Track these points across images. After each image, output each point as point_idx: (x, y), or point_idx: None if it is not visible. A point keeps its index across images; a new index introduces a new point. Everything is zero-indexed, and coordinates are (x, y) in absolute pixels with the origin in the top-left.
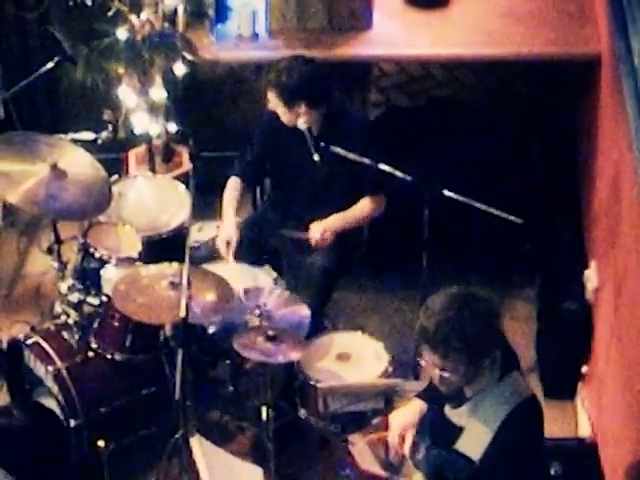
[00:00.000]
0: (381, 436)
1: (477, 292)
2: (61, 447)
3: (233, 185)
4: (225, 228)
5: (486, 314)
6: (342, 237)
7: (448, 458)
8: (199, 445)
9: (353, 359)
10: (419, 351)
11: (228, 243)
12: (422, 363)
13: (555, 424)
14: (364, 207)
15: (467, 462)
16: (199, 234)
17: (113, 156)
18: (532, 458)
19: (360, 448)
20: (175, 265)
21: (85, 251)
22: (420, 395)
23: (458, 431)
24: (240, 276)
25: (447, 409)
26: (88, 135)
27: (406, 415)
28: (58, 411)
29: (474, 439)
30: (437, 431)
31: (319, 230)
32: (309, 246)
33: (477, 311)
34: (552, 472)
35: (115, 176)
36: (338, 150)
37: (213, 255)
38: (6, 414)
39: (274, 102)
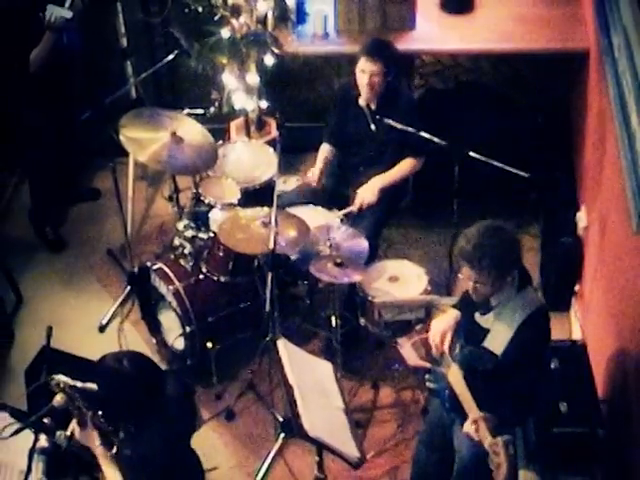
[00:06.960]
0: (422, 338)
1: (503, 225)
2: None
3: (323, 149)
4: (313, 170)
5: (510, 241)
6: (392, 187)
7: (477, 353)
8: (284, 346)
9: (401, 280)
10: (458, 268)
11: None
12: (460, 277)
13: (554, 330)
14: (406, 165)
15: (492, 356)
16: (284, 185)
17: (218, 126)
18: (540, 354)
19: (406, 348)
20: (265, 209)
21: (197, 198)
22: (456, 306)
23: (485, 332)
24: (315, 217)
25: (477, 316)
26: (199, 110)
27: (445, 321)
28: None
29: (497, 338)
30: (469, 333)
31: (359, 201)
32: (360, 211)
33: (504, 238)
34: (552, 366)
35: (220, 141)
36: (390, 121)
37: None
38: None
39: (361, 66)
